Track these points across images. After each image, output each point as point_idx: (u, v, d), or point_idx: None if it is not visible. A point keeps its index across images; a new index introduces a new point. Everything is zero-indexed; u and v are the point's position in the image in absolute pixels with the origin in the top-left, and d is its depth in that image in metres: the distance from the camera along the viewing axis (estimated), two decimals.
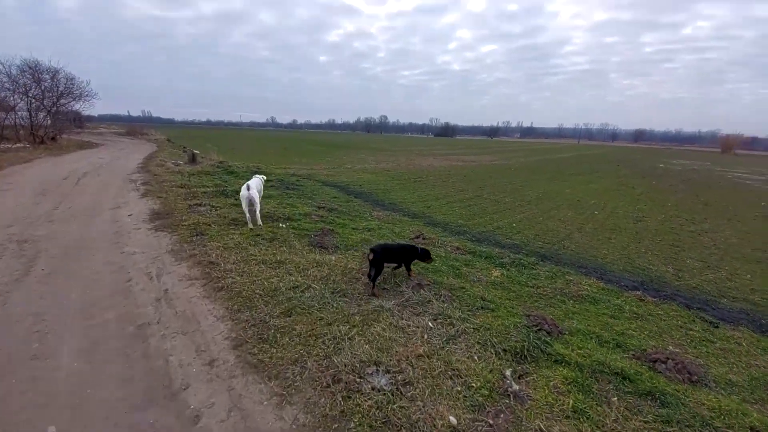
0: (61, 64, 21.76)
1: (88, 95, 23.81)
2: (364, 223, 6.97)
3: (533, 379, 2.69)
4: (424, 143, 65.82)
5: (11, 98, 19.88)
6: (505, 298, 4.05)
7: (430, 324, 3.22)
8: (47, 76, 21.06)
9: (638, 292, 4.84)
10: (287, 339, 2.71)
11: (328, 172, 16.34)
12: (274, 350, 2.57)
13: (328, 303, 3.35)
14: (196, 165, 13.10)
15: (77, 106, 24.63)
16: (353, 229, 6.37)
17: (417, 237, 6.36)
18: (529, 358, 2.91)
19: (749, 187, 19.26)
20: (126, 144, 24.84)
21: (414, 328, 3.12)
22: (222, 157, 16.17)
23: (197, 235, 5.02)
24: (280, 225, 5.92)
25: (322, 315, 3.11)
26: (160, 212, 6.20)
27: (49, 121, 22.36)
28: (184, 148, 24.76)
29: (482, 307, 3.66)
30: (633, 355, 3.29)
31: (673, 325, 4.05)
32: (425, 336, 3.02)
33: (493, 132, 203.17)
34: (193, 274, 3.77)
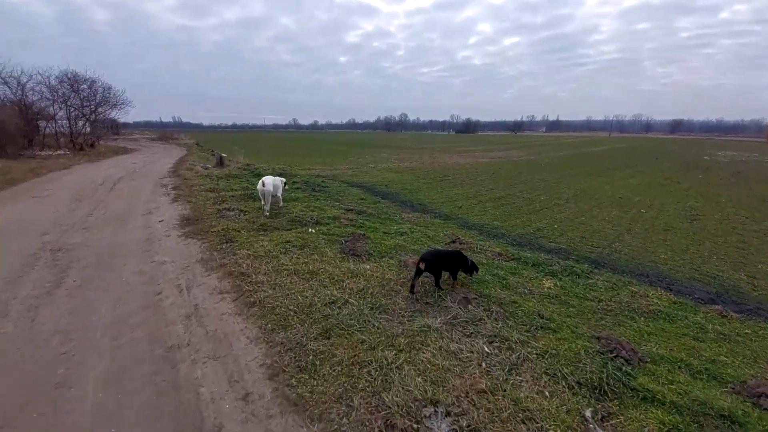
0: (96, 74, 22.75)
1: (124, 103, 24.93)
2: (395, 226, 6.61)
3: (620, 422, 2.23)
4: (446, 140, 64.75)
5: (51, 107, 21.04)
6: (565, 314, 3.56)
7: (486, 348, 2.81)
8: (85, 86, 22.15)
9: (718, 307, 4.19)
10: (328, 368, 2.39)
11: (352, 172, 16.12)
12: (315, 382, 2.25)
13: (368, 321, 3.01)
14: (223, 168, 13.23)
15: (114, 114, 25.88)
16: (385, 233, 6.02)
17: (453, 242, 5.92)
18: (610, 394, 2.45)
19: None
20: (158, 149, 25.76)
21: (468, 354, 2.72)
22: (248, 159, 16.31)
23: (227, 242, 4.84)
24: (310, 230, 5.66)
25: (363, 337, 2.77)
26: (189, 218, 6.11)
27: (88, 129, 23.56)
28: (212, 151, 25.40)
29: (542, 327, 3.20)
30: (732, 389, 2.75)
31: (767, 347, 3.43)
32: (483, 364, 2.61)
33: (517, 127, 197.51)
34: (224, 286, 3.55)
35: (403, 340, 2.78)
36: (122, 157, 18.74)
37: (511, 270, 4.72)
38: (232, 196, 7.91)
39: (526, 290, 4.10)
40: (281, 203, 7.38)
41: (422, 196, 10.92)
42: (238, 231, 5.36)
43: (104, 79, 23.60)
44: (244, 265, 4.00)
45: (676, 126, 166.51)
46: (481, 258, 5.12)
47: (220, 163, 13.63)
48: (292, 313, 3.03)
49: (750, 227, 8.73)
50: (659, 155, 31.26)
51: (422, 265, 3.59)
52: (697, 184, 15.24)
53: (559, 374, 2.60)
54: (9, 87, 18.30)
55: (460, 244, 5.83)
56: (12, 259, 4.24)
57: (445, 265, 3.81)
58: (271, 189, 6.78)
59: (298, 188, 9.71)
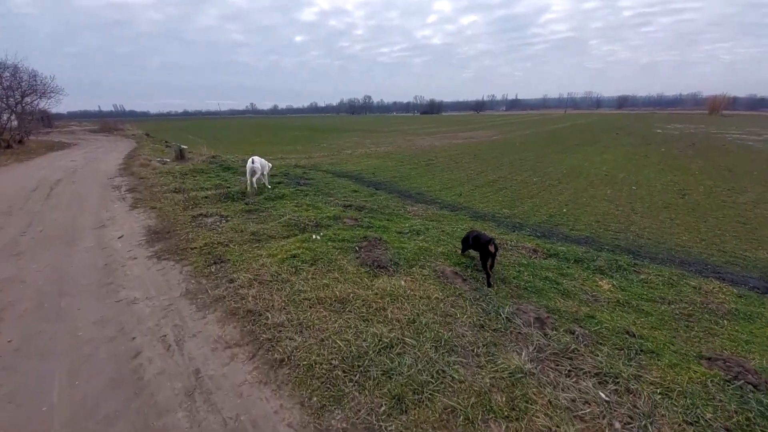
0: (19, 60, 19.26)
1: (54, 91, 21.43)
2: (406, 223, 5.83)
3: None
4: (413, 122, 63.95)
5: None
6: (650, 326, 3.03)
7: (602, 395, 2.18)
8: (7, 74, 18.66)
9: None
10: None
11: (331, 160, 14.95)
12: None
13: (443, 372, 2.26)
14: (185, 162, 11.58)
15: (43, 104, 22.21)
16: (398, 233, 5.23)
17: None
18: None
19: (754, 149, 18.65)
20: (101, 142, 22.66)
21: (585, 406, 2.07)
22: (212, 150, 14.53)
23: (216, 262, 3.82)
24: (314, 237, 4.73)
25: (448, 401, 2.02)
26: (158, 230, 4.92)
27: (15, 123, 20.08)
28: (167, 142, 22.79)
29: (640, 350, 2.64)
30: None
31: None
32: (615, 424, 1.97)
33: (479, 106, 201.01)
34: (230, 334, 2.61)
35: (500, 398, 2.07)
36: (58, 153, 16.10)
37: (558, 270, 4.15)
38: (206, 197, 6.67)
39: (588, 296, 3.54)
40: (269, 186, 7.81)
41: (416, 183, 10.16)
42: (226, 245, 4.31)
43: (29, 66, 20.05)
44: (250, 298, 3.05)
45: (622, 102, 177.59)
46: (516, 257, 4.51)
47: (181, 156, 11.94)
48: (339, 373, 2.19)
49: (737, 200, 8.92)
50: (617, 131, 32.64)
51: (492, 248, 3.60)
52: (664, 158, 15.78)
53: (701, 420, 2.04)
54: None
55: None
56: None
57: None
58: (259, 167, 7.49)
59: (280, 182, 8.55)
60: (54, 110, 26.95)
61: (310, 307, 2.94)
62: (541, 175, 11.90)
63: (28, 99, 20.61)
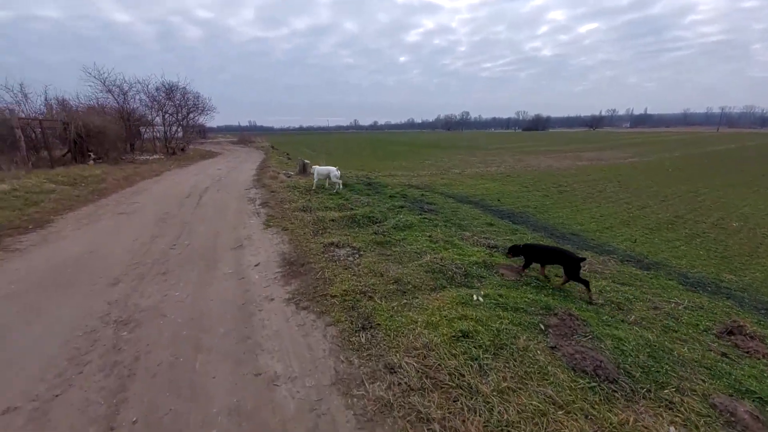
0: (187, 83, 23.76)
1: (210, 109, 26.02)
2: (593, 286, 4.19)
3: None
4: (518, 139, 59.19)
5: (149, 114, 22.33)
6: None
7: None
8: (178, 94, 23.22)
9: None
10: None
11: (443, 180, 13.86)
12: None
13: None
14: (308, 176, 11.95)
15: (202, 120, 27.18)
16: (591, 305, 3.65)
17: (729, 332, 3.33)
18: None
19: None
20: (239, 152, 26.33)
21: None
22: (325, 162, 14.95)
23: (364, 327, 2.91)
24: (474, 297, 3.53)
25: None
26: (292, 259, 4.42)
27: (180, 134, 24.93)
28: (288, 155, 25.21)
29: None
30: None
31: None
32: None
33: (596, 122, 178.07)
34: None
35: None
36: (208, 162, 18.88)
37: None
38: (332, 221, 6.18)
39: None
40: (339, 186, 9.36)
41: (559, 217, 8.23)
42: (370, 296, 3.43)
43: (194, 88, 24.75)
44: (432, 418, 1.96)
45: None
46: None
47: (303, 170, 12.39)
48: None
49: None
50: None
51: None
52: None
53: None
54: (112, 95, 19.55)
55: (750, 338, 3.23)
56: (57, 344, 2.78)
57: None
58: (325, 171, 9.43)
59: (402, 207, 7.73)
60: (208, 125, 32.83)
61: None
62: (739, 217, 8.57)
63: (192, 115, 25.29)
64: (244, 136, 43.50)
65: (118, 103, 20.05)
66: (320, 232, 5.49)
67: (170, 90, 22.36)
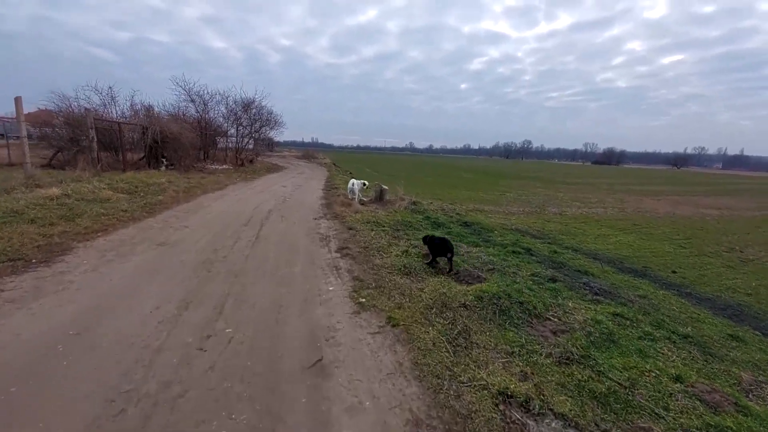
0: (262, 98, 23.73)
1: (280, 125, 25.94)
2: None
3: None
4: (592, 174, 52.71)
5: (226, 125, 22.41)
6: None
7: None
8: (254, 109, 23.20)
9: None
10: None
11: (553, 225, 10.73)
12: None
13: None
14: (385, 205, 9.76)
15: (272, 134, 27.25)
16: None
17: None
18: None
19: None
20: (303, 168, 25.57)
21: None
22: (403, 189, 12.67)
23: None
24: None
25: None
26: (417, 395, 1.93)
27: (251, 145, 24.95)
28: (351, 173, 23.77)
29: None
30: None
31: None
32: None
33: (680, 161, 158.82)
34: None
35: None
36: (273, 176, 17.84)
37: None
38: (465, 307, 3.64)
39: None
40: (364, 199, 10.05)
41: None
42: None
43: (269, 104, 24.83)
44: None
45: None
46: None
47: (380, 197, 10.22)
48: None
49: None
50: None
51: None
52: None
53: None
54: (194, 104, 19.70)
55: None
56: None
57: None
58: (356, 189, 9.93)
59: (553, 280, 4.93)
60: (276, 139, 33.22)
61: None
62: None
63: (263, 129, 25.23)
64: (308, 151, 43.98)
65: (198, 112, 20.24)
66: (462, 342, 2.96)
67: (247, 104, 22.33)
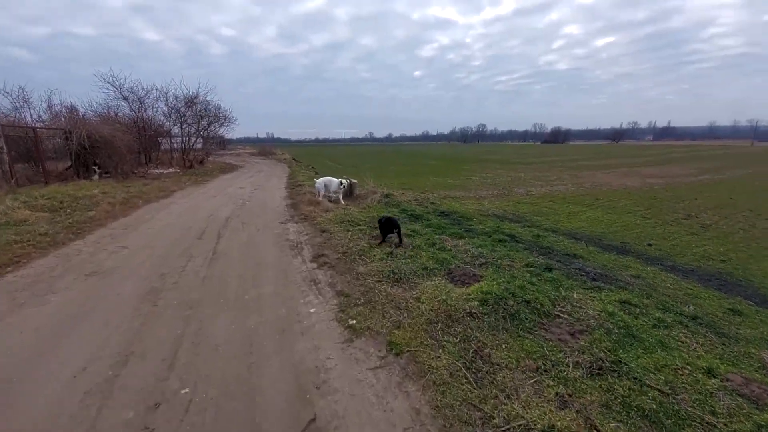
0: (208, 92, 21.68)
1: (230, 121, 23.97)
2: None
3: None
4: (543, 153, 55.43)
5: (168, 123, 20.22)
6: None
7: None
8: (200, 104, 21.11)
9: None
10: None
11: (525, 207, 10.74)
12: None
13: None
14: (356, 200, 9.12)
15: (222, 131, 25.16)
16: None
17: None
18: None
19: None
20: (261, 165, 23.94)
21: None
22: (375, 183, 12.03)
23: None
24: None
25: None
26: None
27: (200, 144, 22.82)
28: (315, 169, 22.63)
29: None
30: None
31: None
32: None
33: (618, 135, 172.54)
34: None
35: None
36: (228, 177, 16.37)
37: None
38: (472, 315, 3.18)
39: None
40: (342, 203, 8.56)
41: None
42: None
43: (215, 99, 22.74)
44: None
45: None
46: None
47: (350, 192, 9.55)
48: None
49: None
50: None
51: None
52: None
53: None
54: (128, 102, 17.47)
55: None
56: None
57: None
58: (322, 187, 8.88)
59: (550, 269, 4.64)
60: (228, 136, 30.90)
61: None
62: None
63: (212, 127, 23.18)
64: (265, 147, 41.61)
65: (133, 111, 17.99)
66: (481, 366, 2.47)
67: (190, 100, 20.21)
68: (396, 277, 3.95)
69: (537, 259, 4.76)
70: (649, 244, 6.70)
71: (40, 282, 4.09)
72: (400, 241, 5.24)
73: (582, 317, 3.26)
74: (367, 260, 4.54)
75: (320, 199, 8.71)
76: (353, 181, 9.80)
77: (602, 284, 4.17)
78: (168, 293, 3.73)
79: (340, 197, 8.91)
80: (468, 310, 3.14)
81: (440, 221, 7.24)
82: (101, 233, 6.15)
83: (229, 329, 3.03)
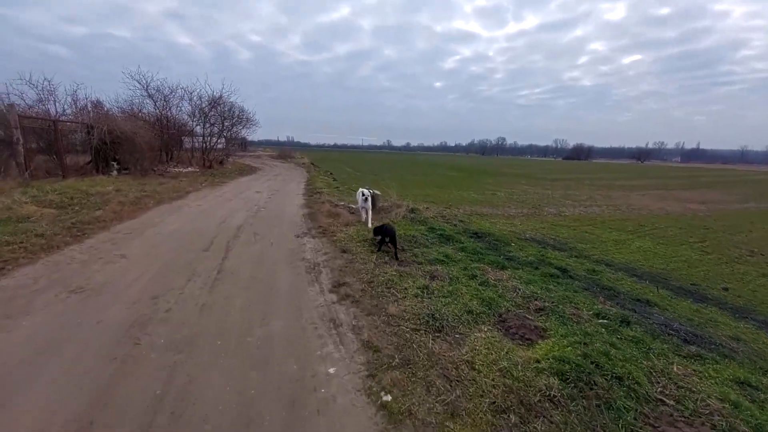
0: (232, 92, 21.60)
1: (253, 123, 23.92)
2: None
3: None
4: (566, 169, 53.51)
5: (191, 122, 20.17)
6: None
7: None
8: (225, 105, 21.02)
9: None
10: None
11: (567, 232, 9.75)
12: None
13: None
14: (378, 213, 8.38)
15: (244, 132, 25.14)
16: None
17: None
18: None
19: None
20: (280, 169, 23.65)
21: None
22: (395, 192, 11.28)
23: None
24: None
25: None
26: None
27: (221, 145, 22.75)
28: (333, 175, 22.15)
29: None
30: None
31: None
32: None
33: (643, 155, 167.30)
34: None
35: None
36: (246, 179, 15.97)
37: None
38: (548, 397, 2.35)
39: None
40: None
41: None
42: None
43: (239, 101, 22.75)
44: None
45: None
46: None
47: (373, 205, 8.81)
48: None
49: None
50: None
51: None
52: None
53: None
54: (153, 100, 17.45)
55: None
56: None
57: None
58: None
59: (627, 322, 3.72)
60: (249, 138, 30.97)
61: None
62: None
63: (235, 128, 23.10)
64: (285, 151, 41.67)
65: (157, 108, 17.97)
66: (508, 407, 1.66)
67: (214, 100, 20.11)
68: (437, 325, 3.14)
69: (607, 309, 3.85)
70: (725, 288, 5.66)
71: (18, 297, 3.49)
72: (396, 253, 4.98)
73: (698, 408, 2.37)
74: (398, 295, 3.76)
75: (364, 218, 7.19)
76: (376, 192, 9.07)
77: (700, 350, 3.24)
78: (156, 326, 3.04)
79: (369, 213, 7.23)
80: (544, 391, 2.30)
81: (475, 245, 6.39)
82: (102, 237, 5.60)
83: (223, 391, 2.29)
